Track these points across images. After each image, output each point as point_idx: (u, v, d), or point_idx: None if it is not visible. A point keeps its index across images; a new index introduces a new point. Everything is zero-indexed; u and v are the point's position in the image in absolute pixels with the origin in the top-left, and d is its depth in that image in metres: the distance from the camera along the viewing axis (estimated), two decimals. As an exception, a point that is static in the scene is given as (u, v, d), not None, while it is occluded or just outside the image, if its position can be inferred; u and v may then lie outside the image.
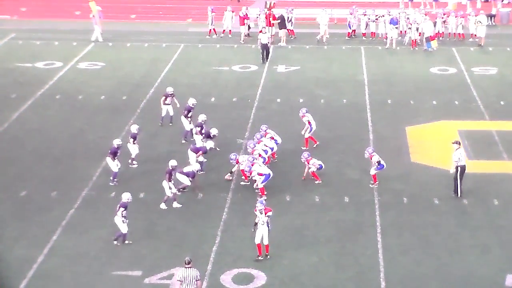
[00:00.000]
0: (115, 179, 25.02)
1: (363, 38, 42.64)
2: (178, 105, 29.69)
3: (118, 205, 21.20)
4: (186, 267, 17.86)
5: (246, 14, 42.56)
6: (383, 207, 23.48)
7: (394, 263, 20.44)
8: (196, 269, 17.96)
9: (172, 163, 23.67)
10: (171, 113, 29.68)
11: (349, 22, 42.78)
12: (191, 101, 28.52)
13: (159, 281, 19.66)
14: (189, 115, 28.15)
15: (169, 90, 30.05)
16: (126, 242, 21.25)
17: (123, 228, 21.17)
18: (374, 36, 42.68)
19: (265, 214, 20.31)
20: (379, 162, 24.74)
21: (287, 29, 42.13)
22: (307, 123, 27.46)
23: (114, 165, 24.97)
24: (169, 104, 29.71)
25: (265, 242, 20.39)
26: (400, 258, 20.70)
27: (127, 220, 21.17)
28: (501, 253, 20.98)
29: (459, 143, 24.31)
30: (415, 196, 24.24)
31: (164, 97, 29.90)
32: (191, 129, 27.87)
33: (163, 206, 23.43)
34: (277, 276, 19.83)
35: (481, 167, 26.19)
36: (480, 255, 20.87)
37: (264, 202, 20.74)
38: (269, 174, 24.13)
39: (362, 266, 20.32)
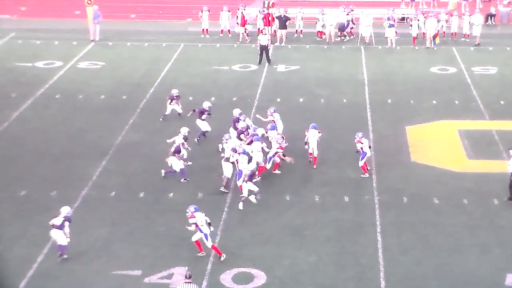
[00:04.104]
0: (184, 178, 25.09)
1: (343, 37, 42.73)
2: (181, 111, 29.92)
3: (63, 219, 20.22)
4: (186, 282, 17.79)
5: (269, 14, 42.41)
6: (383, 207, 23.49)
7: (394, 263, 20.44)
8: (196, 284, 17.93)
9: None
10: (179, 111, 30.03)
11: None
12: (206, 104, 28.53)
13: (159, 280, 19.66)
14: (203, 117, 28.17)
15: (174, 92, 30.32)
16: (65, 256, 20.34)
17: (64, 241, 20.24)
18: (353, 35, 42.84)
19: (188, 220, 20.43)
20: (362, 149, 25.09)
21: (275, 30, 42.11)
22: (272, 122, 26.97)
23: (180, 163, 24.99)
24: (175, 105, 30.06)
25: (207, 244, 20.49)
26: (400, 258, 20.70)
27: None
28: (501, 253, 20.98)
29: None
30: (415, 196, 24.24)
31: (169, 100, 30.12)
32: (205, 131, 28.01)
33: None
34: (277, 275, 19.83)
35: (481, 167, 26.20)
36: (480, 255, 20.87)
37: (194, 208, 20.49)
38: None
39: (362, 266, 20.32)
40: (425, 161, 26.80)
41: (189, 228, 20.47)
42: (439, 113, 31.33)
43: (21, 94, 33.57)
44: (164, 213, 23.10)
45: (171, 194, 24.22)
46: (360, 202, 23.85)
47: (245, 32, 42.12)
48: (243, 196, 23.32)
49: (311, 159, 26.29)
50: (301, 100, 32.65)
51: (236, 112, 27.40)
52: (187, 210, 20.57)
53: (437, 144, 28.29)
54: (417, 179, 25.43)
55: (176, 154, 25.02)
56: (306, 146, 26.24)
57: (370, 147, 25.50)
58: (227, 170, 24.46)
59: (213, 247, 20.46)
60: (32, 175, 25.70)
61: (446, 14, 42.92)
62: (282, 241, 21.41)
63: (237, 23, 42.16)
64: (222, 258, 20.36)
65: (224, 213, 23.12)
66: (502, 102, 32.66)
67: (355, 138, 25.47)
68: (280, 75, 36.49)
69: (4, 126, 30.07)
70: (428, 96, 33.29)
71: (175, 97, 30.09)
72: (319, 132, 26.21)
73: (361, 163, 25.14)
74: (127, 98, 33.23)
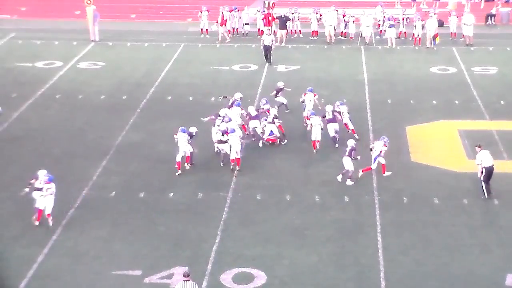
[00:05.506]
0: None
1: (341, 37, 42.78)
2: (286, 101, 30.98)
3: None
4: (184, 280, 17.77)
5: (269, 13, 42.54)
6: (383, 207, 23.49)
7: (394, 263, 20.44)
8: (195, 283, 17.89)
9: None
10: (285, 102, 30.91)
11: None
12: (238, 95, 29.33)
13: (159, 280, 19.65)
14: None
15: (280, 84, 31.37)
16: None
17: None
18: (345, 36, 42.84)
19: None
20: (342, 113, 28.03)
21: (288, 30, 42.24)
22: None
23: (188, 147, 25.45)
24: (280, 96, 31.00)
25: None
26: (400, 258, 20.70)
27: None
28: (501, 253, 20.98)
29: (480, 146, 24.24)
30: (415, 196, 24.24)
31: (275, 92, 30.99)
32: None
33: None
34: (277, 275, 19.82)
35: (481, 167, 26.19)
36: (480, 255, 20.87)
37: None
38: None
39: (362, 266, 20.32)
40: (425, 161, 26.81)
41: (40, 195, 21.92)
42: (439, 113, 31.33)
43: (21, 94, 33.58)
44: (164, 213, 23.10)
45: (171, 194, 24.23)
46: (360, 202, 23.85)
47: (225, 32, 42.29)
48: (347, 172, 24.89)
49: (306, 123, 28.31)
50: (301, 100, 32.58)
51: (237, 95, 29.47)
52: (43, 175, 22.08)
53: (437, 144, 28.30)
54: (417, 179, 25.43)
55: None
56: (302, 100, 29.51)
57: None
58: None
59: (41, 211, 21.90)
60: (32, 175, 25.63)
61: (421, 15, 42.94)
62: (282, 241, 21.41)
63: (217, 23, 42.23)
64: (36, 223, 21.79)
65: (224, 213, 23.12)
66: (502, 102, 32.66)
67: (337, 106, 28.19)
68: (280, 75, 36.45)
69: (4, 126, 30.07)
70: (428, 96, 33.29)
71: (281, 89, 30.94)
72: (315, 95, 29.73)
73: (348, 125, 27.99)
74: (127, 98, 33.23)
